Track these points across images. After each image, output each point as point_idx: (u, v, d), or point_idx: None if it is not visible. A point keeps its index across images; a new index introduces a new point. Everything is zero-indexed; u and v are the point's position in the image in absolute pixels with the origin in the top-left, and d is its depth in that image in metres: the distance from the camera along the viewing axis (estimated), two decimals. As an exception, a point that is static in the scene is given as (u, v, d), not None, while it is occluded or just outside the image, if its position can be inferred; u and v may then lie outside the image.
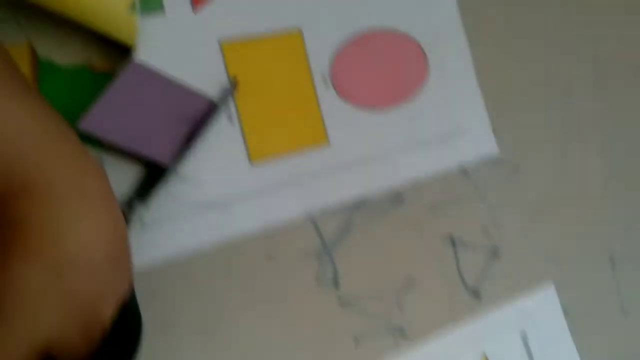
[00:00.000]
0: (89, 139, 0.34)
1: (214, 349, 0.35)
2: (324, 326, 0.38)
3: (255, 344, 0.36)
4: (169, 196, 0.36)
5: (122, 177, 0.35)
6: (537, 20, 0.47)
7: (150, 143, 0.35)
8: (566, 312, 0.44)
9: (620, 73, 0.50)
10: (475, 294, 0.42)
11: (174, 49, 0.37)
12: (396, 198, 0.41)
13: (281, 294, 0.37)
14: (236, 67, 0.38)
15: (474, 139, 0.44)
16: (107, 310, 0.24)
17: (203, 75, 0.37)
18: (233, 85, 0.38)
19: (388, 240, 0.41)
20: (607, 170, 0.48)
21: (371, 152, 0.41)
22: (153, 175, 0.36)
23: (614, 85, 0.50)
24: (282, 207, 0.39)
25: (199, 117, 0.37)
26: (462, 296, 0.42)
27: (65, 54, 0.35)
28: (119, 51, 0.35)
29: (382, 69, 0.42)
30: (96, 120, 0.33)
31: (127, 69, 0.34)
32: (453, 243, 0.42)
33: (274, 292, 0.37)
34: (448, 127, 0.43)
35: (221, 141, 0.38)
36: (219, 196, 0.37)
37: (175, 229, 0.36)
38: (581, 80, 0.48)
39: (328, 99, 0.41)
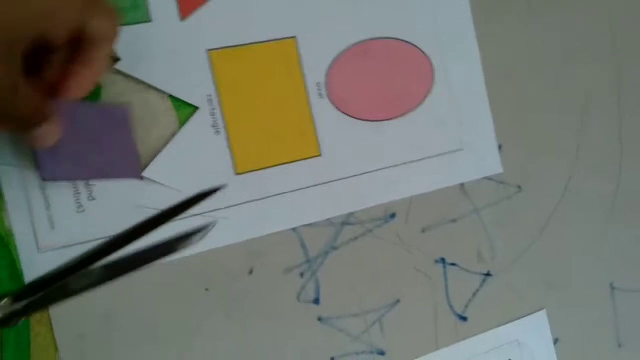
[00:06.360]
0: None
1: (191, 358, 0.35)
2: (301, 344, 0.38)
3: (231, 358, 0.36)
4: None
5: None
6: (555, 23, 0.44)
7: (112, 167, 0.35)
8: (557, 342, 0.43)
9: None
10: (463, 318, 0.41)
11: (160, 58, 0.35)
12: (388, 215, 0.40)
13: (260, 309, 0.37)
14: (225, 75, 0.37)
15: (478, 157, 0.42)
16: None
17: (190, 84, 0.36)
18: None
19: (375, 259, 0.39)
20: (616, 196, 0.45)
21: (365, 166, 0.40)
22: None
23: (637, 99, 0.46)
24: (267, 221, 0.38)
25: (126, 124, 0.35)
26: (448, 320, 0.40)
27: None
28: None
29: (383, 78, 0.40)
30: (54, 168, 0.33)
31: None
32: (444, 265, 0.41)
33: (254, 307, 0.37)
34: (451, 142, 0.41)
35: (206, 151, 0.37)
36: (201, 207, 0.37)
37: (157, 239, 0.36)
38: (600, 94, 0.45)
39: (322, 109, 0.39)
